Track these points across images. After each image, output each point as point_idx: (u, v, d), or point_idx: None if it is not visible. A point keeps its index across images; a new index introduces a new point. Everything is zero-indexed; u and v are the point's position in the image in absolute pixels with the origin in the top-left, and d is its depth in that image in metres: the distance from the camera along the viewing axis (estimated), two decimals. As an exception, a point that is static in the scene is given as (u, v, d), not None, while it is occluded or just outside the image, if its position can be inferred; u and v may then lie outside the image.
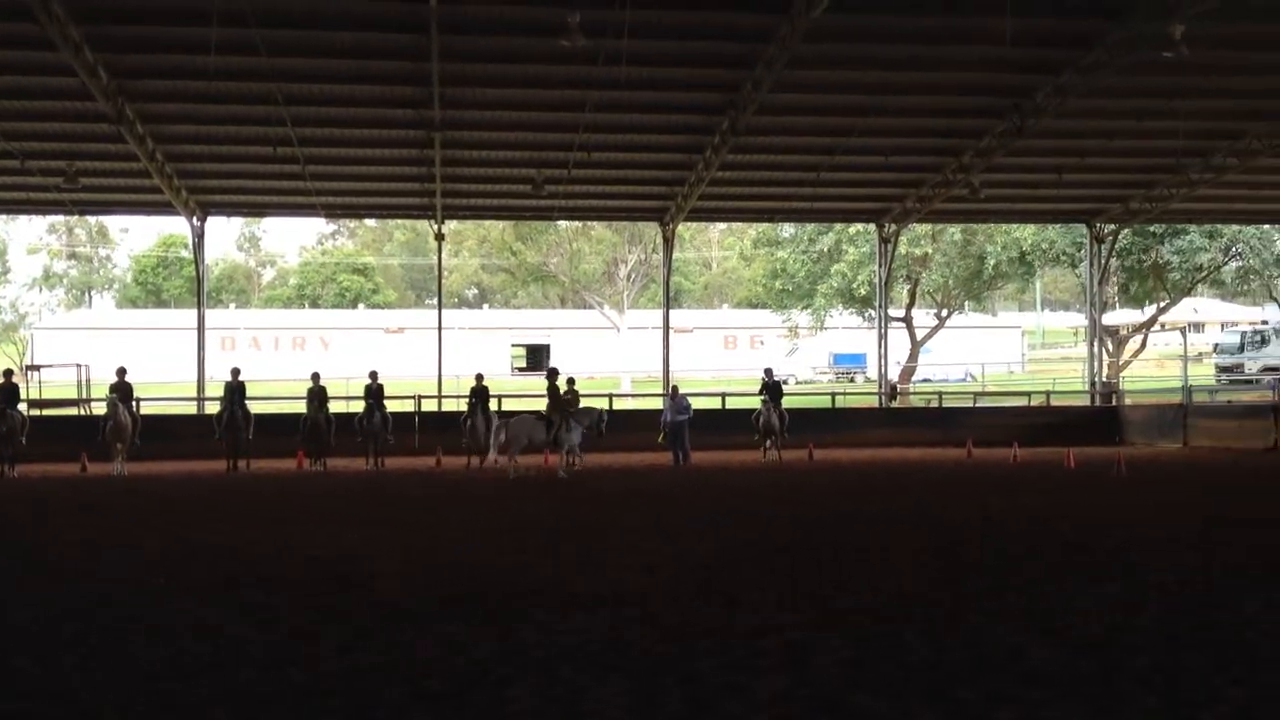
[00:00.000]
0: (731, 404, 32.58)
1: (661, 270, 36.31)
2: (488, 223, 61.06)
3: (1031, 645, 7.17)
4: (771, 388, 26.84)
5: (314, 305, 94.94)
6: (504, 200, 33.73)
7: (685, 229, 74.43)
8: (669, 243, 35.16)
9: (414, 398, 31.45)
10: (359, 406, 26.47)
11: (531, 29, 21.75)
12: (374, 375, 26.22)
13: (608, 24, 20.52)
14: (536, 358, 79.45)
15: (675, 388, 27.02)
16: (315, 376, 25.79)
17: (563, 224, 56.42)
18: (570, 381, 23.55)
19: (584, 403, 23.95)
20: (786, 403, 28.53)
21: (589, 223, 56.38)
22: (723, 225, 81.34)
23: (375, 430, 25.40)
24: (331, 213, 39.26)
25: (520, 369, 78.71)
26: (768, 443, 26.57)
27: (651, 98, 25.33)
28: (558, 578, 10.04)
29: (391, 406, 27.02)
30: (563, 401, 22.97)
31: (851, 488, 19.19)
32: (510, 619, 8.20)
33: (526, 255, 63.48)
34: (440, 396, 33.00)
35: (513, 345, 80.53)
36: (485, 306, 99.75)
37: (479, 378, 26.23)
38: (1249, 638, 7.31)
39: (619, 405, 36.07)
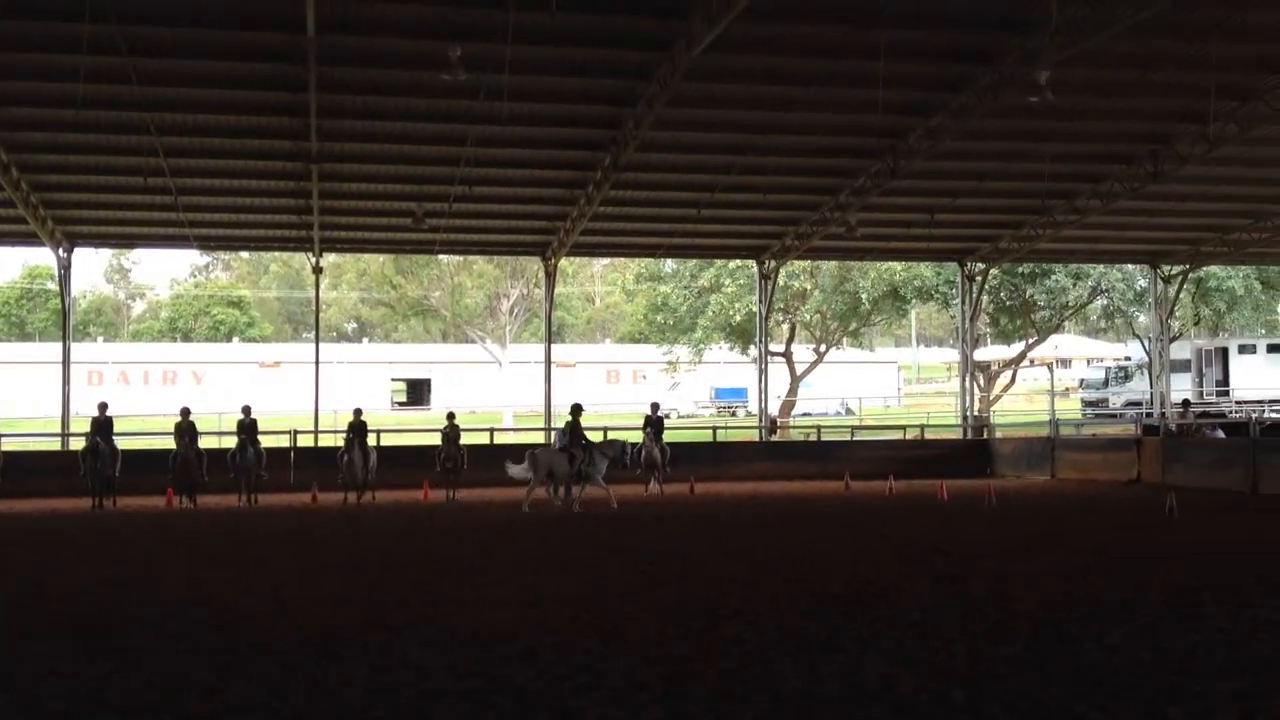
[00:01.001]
0: (614, 438, 32.48)
1: (544, 304, 36.25)
2: (367, 256, 60.38)
3: (903, 675, 7.27)
4: (654, 422, 26.91)
5: (186, 339, 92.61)
6: (384, 233, 33.39)
7: (568, 263, 74.58)
8: (551, 277, 35.16)
9: (290, 433, 30.82)
10: (232, 442, 25.83)
11: (412, 62, 21.63)
12: (247, 410, 25.62)
13: (489, 59, 20.51)
14: (417, 392, 78.63)
15: (568, 423, 26.82)
16: (185, 411, 25.10)
17: (444, 258, 56.06)
18: (575, 410, 22.76)
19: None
20: (669, 436, 28.65)
21: (471, 256, 56.08)
22: (605, 260, 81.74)
23: (248, 466, 24.79)
24: (205, 244, 38.46)
25: (401, 403, 77.77)
26: (650, 477, 26.62)
27: (534, 133, 25.36)
28: (433, 614, 9.89)
29: (266, 442, 26.44)
30: (584, 434, 22.34)
31: (731, 520, 19.29)
32: (383, 658, 8.05)
33: (407, 289, 62.91)
34: (317, 432, 32.41)
35: (393, 380, 79.56)
36: (365, 340, 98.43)
37: (357, 412, 25.81)
38: (1112, 666, 7.50)
39: (500, 440, 35.83)
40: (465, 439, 26.89)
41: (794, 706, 6.66)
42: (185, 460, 24.42)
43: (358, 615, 9.87)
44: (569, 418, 22.57)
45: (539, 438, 32.63)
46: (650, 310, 56.03)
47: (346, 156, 26.47)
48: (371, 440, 26.22)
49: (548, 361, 35.13)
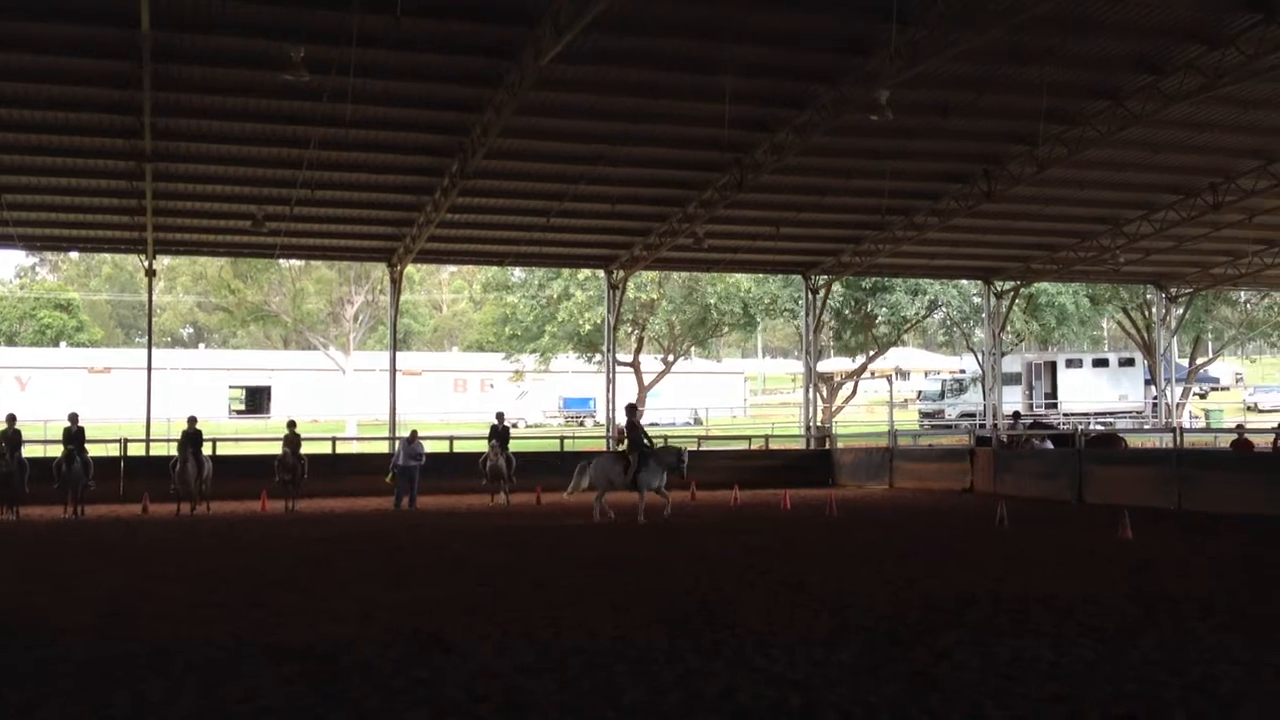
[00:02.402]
0: (460, 448, 32.24)
1: (389, 311, 35.67)
2: (204, 259, 58.58)
3: (742, 684, 7.34)
4: (500, 432, 26.72)
5: (10, 343, 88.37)
6: (221, 236, 32.41)
7: (415, 270, 73.59)
8: (397, 284, 34.64)
9: (120, 441, 29.65)
10: (58, 451, 24.73)
11: (252, 61, 21.02)
12: (74, 418, 24.57)
13: (333, 61, 20.10)
14: (256, 400, 76.59)
15: (414, 433, 26.51)
16: (10, 419, 23.93)
17: (285, 262, 54.77)
18: (630, 410, 21.72)
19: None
20: (515, 446, 28.50)
21: (313, 261, 54.91)
22: (453, 268, 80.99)
23: (75, 476, 23.76)
24: (31, 244, 36.72)
25: (239, 411, 75.66)
26: (496, 487, 26.44)
27: (379, 137, 24.93)
28: (266, 628, 9.62)
29: (95, 451, 25.39)
30: (644, 437, 21.00)
31: (576, 530, 19.26)
32: (213, 673, 7.79)
33: (246, 294, 61.18)
34: (149, 440, 31.24)
35: (231, 387, 77.35)
36: (202, 346, 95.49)
37: (191, 421, 24.98)
38: (942, 671, 7.70)
39: (343, 449, 35.16)
40: (306, 448, 26.28)
41: (634, 717, 6.66)
42: (7, 470, 23.30)
43: (188, 629, 9.54)
44: (624, 419, 21.52)
45: (383, 447, 32.10)
46: (499, 321, 55.70)
47: (182, 156, 25.63)
48: (207, 449, 25.41)
49: (393, 369, 34.58)
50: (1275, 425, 27.13)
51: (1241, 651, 8.16)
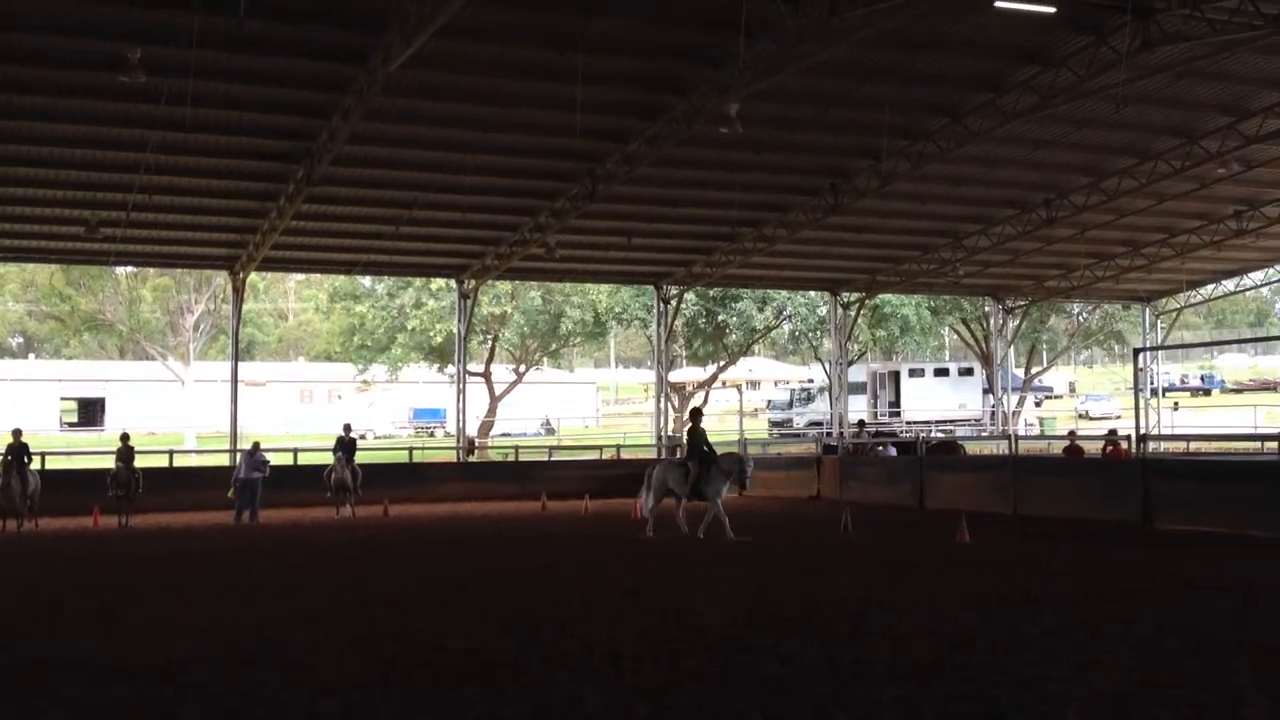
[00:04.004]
0: (305, 460, 31.50)
1: (231, 321, 34.69)
2: (34, 265, 56.15)
3: (589, 694, 7.29)
4: (346, 444, 26.17)
5: None
6: (53, 242, 31.16)
7: (260, 279, 71.87)
8: (239, 292, 33.74)
9: (-59, 456, 28.11)
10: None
11: (86, 62, 20.19)
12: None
13: (173, 63, 19.48)
14: (90, 412, 73.69)
15: (257, 445, 25.76)
16: None
17: (121, 270, 52.83)
18: (695, 415, 19.74)
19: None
20: (363, 458, 27.99)
21: (151, 269, 53.10)
22: (300, 276, 79.22)
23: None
24: None
25: (71, 424, 72.68)
26: (342, 499, 25.89)
27: (221, 141, 24.22)
28: (98, 646, 9.21)
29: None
30: (705, 444, 19.00)
31: (424, 543, 18.97)
32: (38, 694, 7.41)
33: (79, 302, 58.73)
34: (-27, 455, 29.69)
35: (62, 398, 74.19)
36: (31, 356, 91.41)
37: (16, 433, 23.82)
38: (787, 676, 7.77)
39: (180, 462, 34.04)
40: (141, 461, 25.34)
41: (478, 731, 6.56)
42: None
43: (14, 650, 9.07)
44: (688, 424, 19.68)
45: (224, 460, 31.16)
46: (346, 329, 54.62)
47: (11, 159, 24.54)
48: (35, 463, 24.30)
49: (234, 380, 33.62)
50: (1106, 432, 28.26)
51: (1070, 652, 8.44)
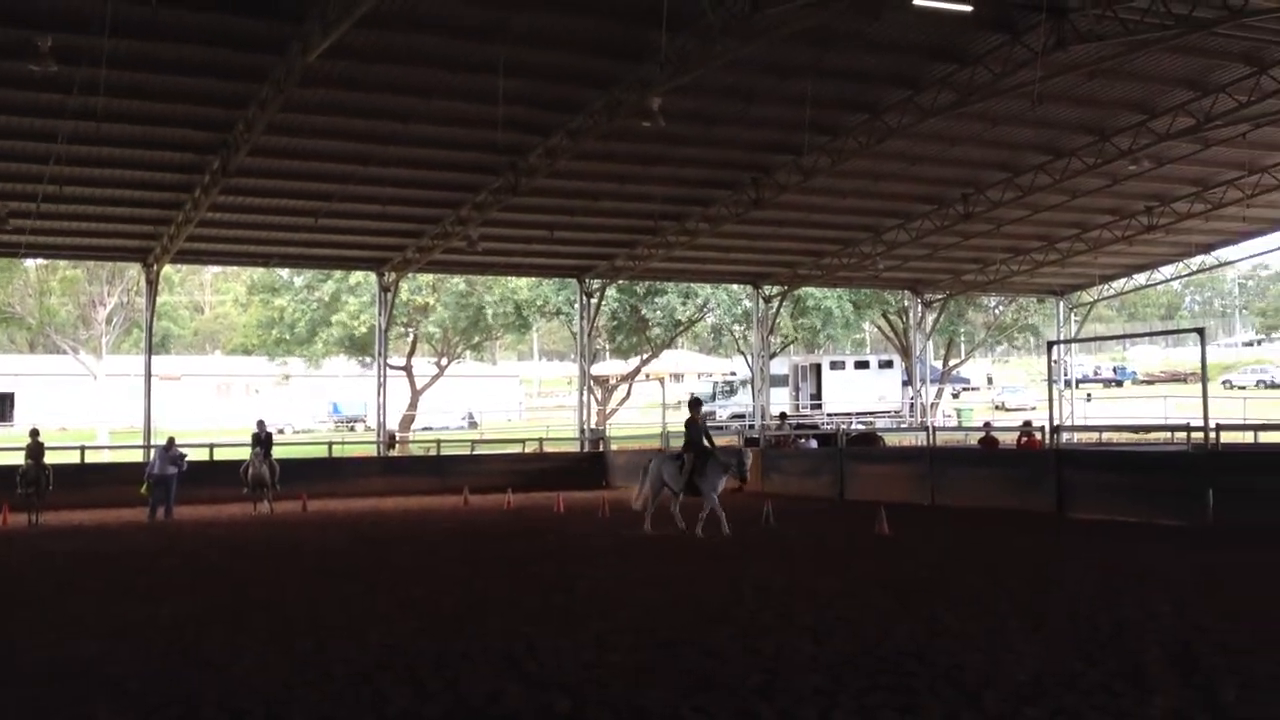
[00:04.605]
0: (221, 455, 30.99)
1: (145, 314, 33.97)
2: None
3: (510, 689, 7.27)
4: (262, 439, 25.76)
5: None
6: (-41, 233, 30.26)
7: (175, 271, 70.44)
8: (153, 285, 33.06)
9: None
10: None
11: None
12: None
13: (85, 51, 19.01)
14: (-3, 407, 71.91)
15: (171, 439, 25.26)
16: None
17: (31, 262, 51.52)
18: (694, 405, 18.66)
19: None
20: (281, 453, 27.61)
21: (62, 261, 51.82)
22: (217, 268, 77.96)
23: None
24: None
25: (-21, 420, 70.85)
26: (259, 495, 25.50)
27: (134, 131, 23.68)
28: (6, 649, 8.99)
29: None
30: (705, 435, 18.02)
31: (343, 539, 18.78)
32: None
33: (-15, 295, 57.19)
34: (-126, 452, 28.86)
35: (-31, 395, 72.34)
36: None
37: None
38: (710, 669, 7.81)
39: (92, 458, 33.34)
40: (52, 458, 24.77)
41: (398, 728, 6.51)
42: None
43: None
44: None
45: (138, 456, 30.57)
46: (265, 322, 53.81)
47: (-86, 148, 23.82)
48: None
49: (148, 374, 32.93)
50: (1020, 424, 28.78)
51: (985, 640, 8.59)
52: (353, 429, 66.23)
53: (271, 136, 23.68)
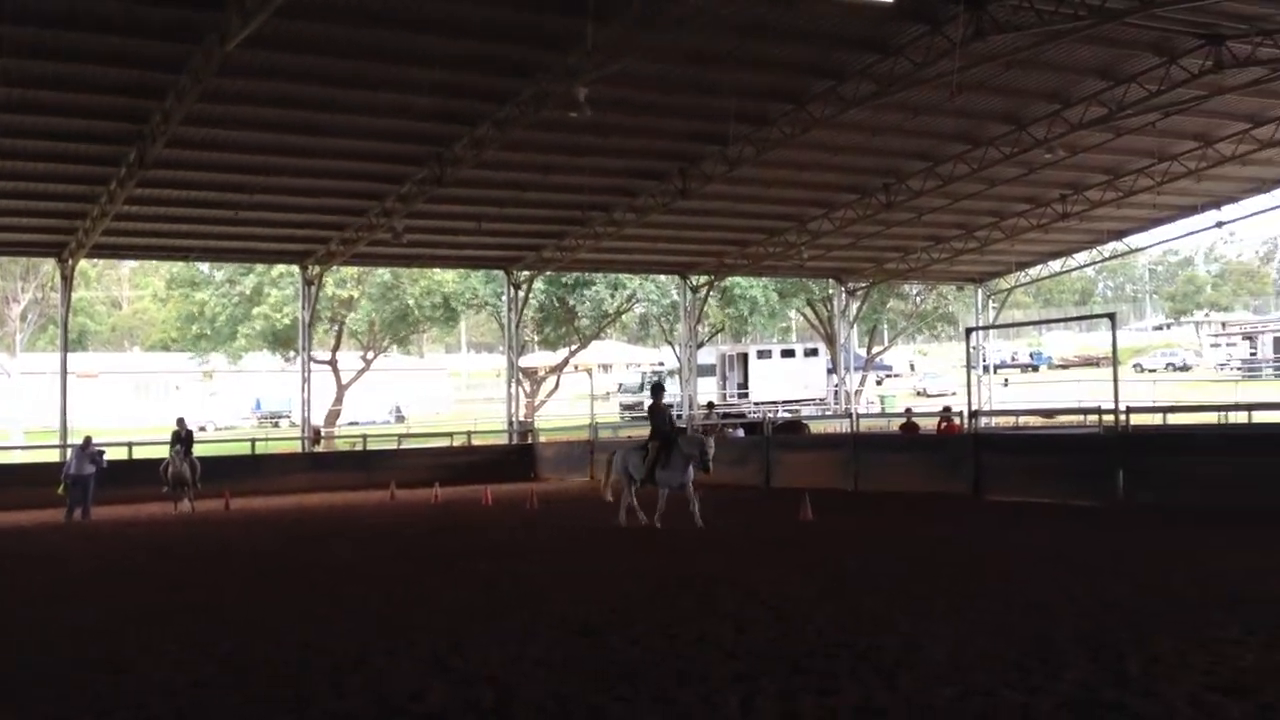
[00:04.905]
0: (141, 454, 30.45)
1: (60, 310, 33.28)
2: None
3: (433, 685, 7.27)
4: (183, 437, 25.35)
5: None
6: None
7: (91, 266, 69.10)
8: (68, 281, 32.39)
9: None
10: None
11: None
12: None
13: (-8, 40, 18.61)
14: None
15: (89, 438, 24.76)
16: None
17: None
18: (655, 391, 17.97)
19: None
20: (203, 450, 27.22)
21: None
22: (134, 263, 76.56)
23: None
24: None
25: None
26: (180, 494, 25.11)
27: (47, 123, 23.16)
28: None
29: None
30: (668, 423, 17.33)
31: (265, 537, 18.60)
32: None
33: (-107, 292, 55.76)
34: None
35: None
36: None
37: None
38: (632, 658, 7.87)
39: (6, 459, 32.64)
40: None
41: (320, 725, 6.49)
42: None
43: None
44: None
45: (54, 456, 29.96)
46: (185, 319, 52.90)
47: None
48: None
49: (64, 372, 32.28)
50: (940, 409, 29.22)
51: (903, 623, 8.75)
52: (276, 425, 65.39)
53: (190, 128, 23.30)
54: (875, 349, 62.99)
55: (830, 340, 53.17)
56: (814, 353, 57.11)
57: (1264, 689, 6.47)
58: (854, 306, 48.61)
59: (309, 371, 35.74)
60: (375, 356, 56.16)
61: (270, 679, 7.63)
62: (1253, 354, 71.15)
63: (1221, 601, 9.22)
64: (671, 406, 17.65)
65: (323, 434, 43.05)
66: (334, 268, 38.22)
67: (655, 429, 17.27)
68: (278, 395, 67.19)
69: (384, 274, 49.63)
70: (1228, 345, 77.26)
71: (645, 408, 17.95)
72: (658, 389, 18.14)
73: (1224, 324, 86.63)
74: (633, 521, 17.15)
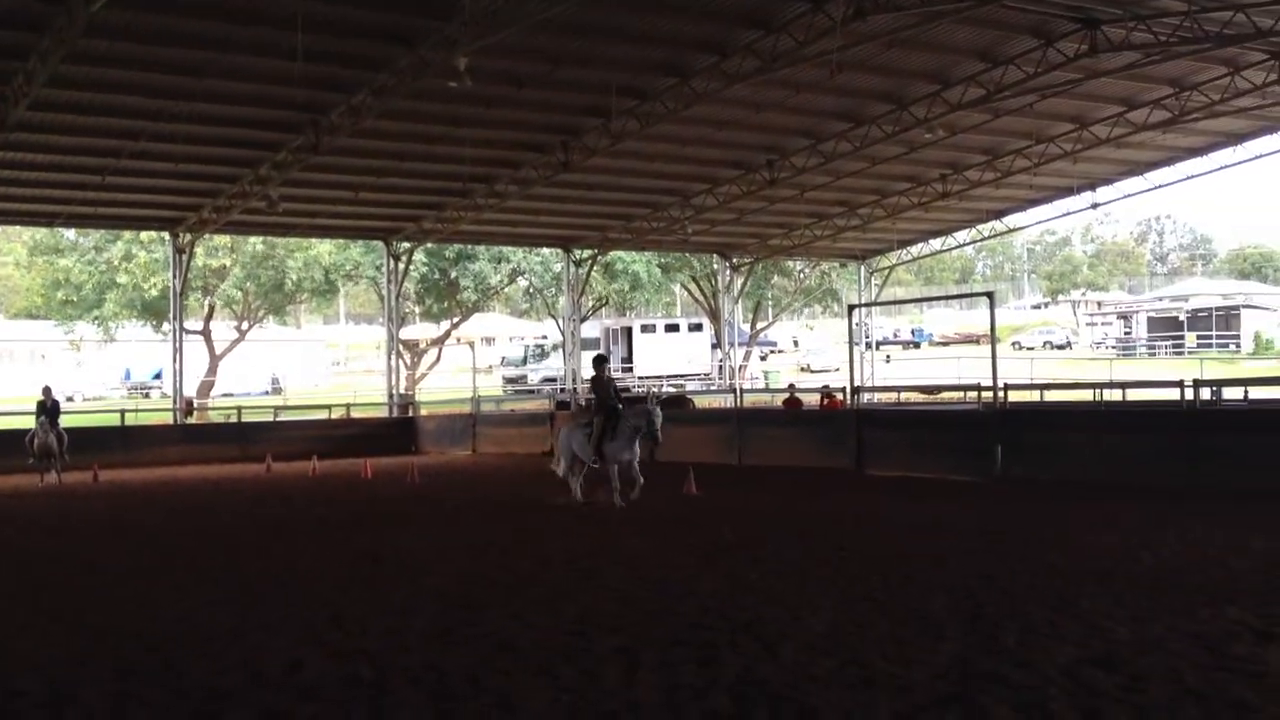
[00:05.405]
0: (5, 424, 29.31)
1: (-83, 276, 31.88)
2: None
3: (310, 658, 7.11)
4: (48, 408, 24.46)
5: None
6: None
7: (-50, 231, 66.15)
8: (-74, 245, 30.99)
9: None
10: None
11: None
12: None
13: None
14: None
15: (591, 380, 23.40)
16: None
17: None
18: (598, 363, 16.99)
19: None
20: (70, 421, 26.30)
21: None
22: (-3, 229, 73.54)
23: None
24: None
25: None
26: (46, 466, 24.24)
27: (-103, 83, 22.07)
28: None
29: None
30: (613, 397, 16.26)
31: (136, 509, 18.04)
32: None
33: None
34: None
35: None
36: None
37: None
38: (514, 633, 7.79)
39: None
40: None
41: (189, 703, 6.29)
42: None
43: None
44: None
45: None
46: (50, 286, 51.00)
47: None
48: None
49: (-77, 340, 30.93)
50: (821, 386, 29.63)
51: (786, 595, 8.82)
52: (147, 396, 63.60)
53: (54, 90, 22.34)
54: (760, 325, 63.64)
55: (715, 315, 53.53)
56: (698, 328, 57.50)
57: (1135, 660, 6.65)
58: (738, 282, 48.96)
59: (181, 341, 34.75)
60: (250, 327, 54.91)
61: (144, 653, 7.40)
62: (1127, 333, 73.71)
63: (1093, 574, 9.47)
64: (614, 380, 16.96)
65: (195, 405, 41.97)
66: (206, 236, 37.17)
67: (599, 401, 16.41)
68: (148, 365, 65.37)
69: (258, 243, 48.48)
70: (1103, 324, 79.92)
71: (588, 381, 16.92)
72: (600, 360, 17.27)
73: (1099, 303, 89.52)
74: (591, 501, 16.26)
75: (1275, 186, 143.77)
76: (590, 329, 53.78)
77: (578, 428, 16.75)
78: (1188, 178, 35.97)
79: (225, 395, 54.10)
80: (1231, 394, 25.03)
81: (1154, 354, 66.79)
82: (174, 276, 34.49)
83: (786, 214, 39.04)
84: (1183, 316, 69.62)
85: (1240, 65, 25.73)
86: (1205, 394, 19.86)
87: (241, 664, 7.05)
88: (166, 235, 34.86)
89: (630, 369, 55.23)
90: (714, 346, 55.36)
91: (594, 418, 16.29)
